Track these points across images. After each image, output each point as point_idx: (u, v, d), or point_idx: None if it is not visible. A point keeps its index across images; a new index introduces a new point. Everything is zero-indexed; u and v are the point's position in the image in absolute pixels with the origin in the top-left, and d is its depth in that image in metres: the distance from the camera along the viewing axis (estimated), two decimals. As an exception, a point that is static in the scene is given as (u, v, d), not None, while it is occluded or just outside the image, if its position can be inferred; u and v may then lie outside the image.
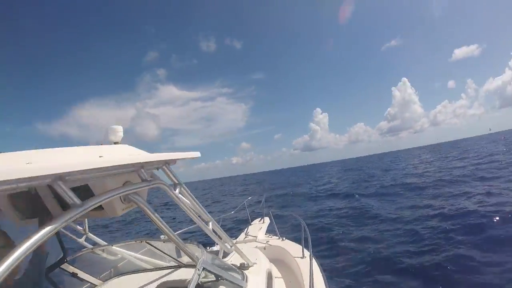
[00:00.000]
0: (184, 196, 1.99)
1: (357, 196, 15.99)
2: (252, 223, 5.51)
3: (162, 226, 1.60)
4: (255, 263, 2.68)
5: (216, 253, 2.67)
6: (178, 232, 3.91)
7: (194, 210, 2.10)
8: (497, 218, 7.82)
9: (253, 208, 7.58)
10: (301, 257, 3.43)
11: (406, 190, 15.37)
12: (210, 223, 2.25)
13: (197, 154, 2.16)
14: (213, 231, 2.29)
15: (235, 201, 22.40)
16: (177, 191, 1.86)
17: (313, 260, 3.19)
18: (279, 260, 3.74)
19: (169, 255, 2.87)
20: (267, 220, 5.49)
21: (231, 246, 2.59)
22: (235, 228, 9.53)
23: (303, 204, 17.18)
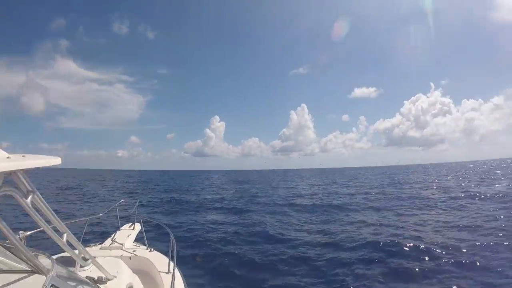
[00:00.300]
0: (37, 205, 1.66)
1: (245, 212, 15.20)
2: (121, 228, 5.01)
3: (7, 234, 1.38)
4: (115, 277, 2.55)
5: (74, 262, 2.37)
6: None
7: (48, 220, 1.81)
8: (394, 250, 8.00)
9: (125, 212, 6.83)
10: (167, 272, 3.30)
11: (295, 211, 15.29)
12: (65, 235, 2.01)
13: (57, 160, 1.74)
14: (68, 242, 2.04)
15: (111, 199, 20.60)
16: (29, 199, 1.50)
17: (178, 276, 3.18)
18: (145, 273, 3.54)
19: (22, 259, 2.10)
20: (137, 226, 5.03)
21: (88, 259, 2.43)
22: (103, 231, 8.60)
23: (187, 213, 15.23)
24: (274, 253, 8.22)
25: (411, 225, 11.07)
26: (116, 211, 5.29)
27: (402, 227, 10.62)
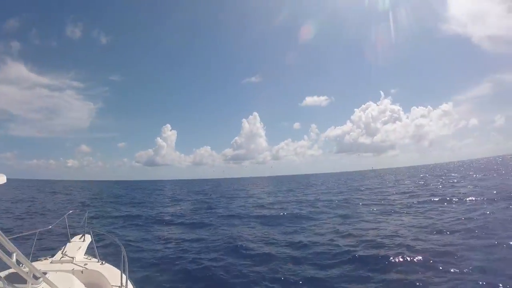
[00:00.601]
0: None
1: (207, 225, 14.09)
2: (71, 240, 4.89)
3: None
4: None
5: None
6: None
7: None
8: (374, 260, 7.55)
9: (75, 223, 6.74)
10: (119, 286, 3.21)
11: (260, 223, 14.36)
12: (14, 254, 1.96)
13: (2, 179, 1.92)
14: (18, 262, 1.98)
15: (61, 212, 18.07)
16: None
17: None
18: (97, 286, 3.51)
19: None
20: (88, 238, 4.91)
21: (39, 278, 2.37)
22: (53, 244, 7.84)
23: (142, 229, 13.60)
24: (245, 272, 7.46)
25: (387, 232, 10.61)
26: (65, 222, 5.06)
27: (378, 235, 10.14)
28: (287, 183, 69.32)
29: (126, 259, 3.35)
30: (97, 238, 5.13)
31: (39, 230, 4.44)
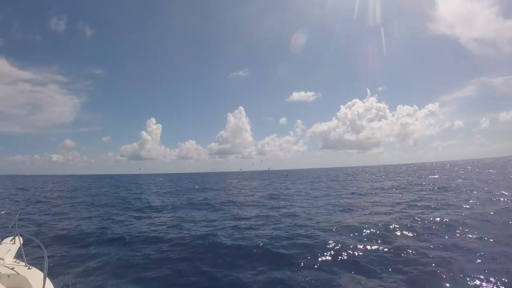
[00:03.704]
0: None
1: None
2: (2, 242, 4.80)
3: None
4: None
5: None
6: None
7: None
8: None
9: (5, 225, 6.50)
10: None
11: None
12: None
13: None
14: None
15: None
16: None
17: None
18: None
19: None
20: (18, 241, 4.78)
21: None
22: None
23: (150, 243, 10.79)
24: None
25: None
26: None
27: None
28: (279, 177, 68.46)
29: (46, 263, 3.23)
30: (25, 241, 4.94)
31: None
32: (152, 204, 20.21)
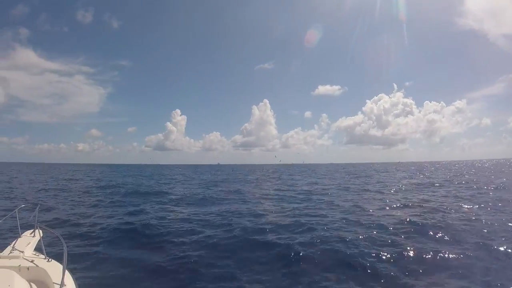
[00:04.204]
0: None
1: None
2: (22, 235, 4.71)
3: None
4: None
5: None
6: None
7: None
8: None
9: (26, 217, 5.87)
10: (61, 284, 3.03)
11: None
12: None
13: None
14: None
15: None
16: None
17: (71, 286, 3.24)
18: (41, 284, 3.46)
19: None
20: (38, 234, 4.72)
21: None
22: (2, 239, 7.39)
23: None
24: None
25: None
26: (16, 217, 4.78)
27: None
28: (312, 171, 66.06)
29: (66, 257, 3.12)
30: (45, 234, 4.90)
31: None
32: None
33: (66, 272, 3.24)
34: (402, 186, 24.52)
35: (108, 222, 11.08)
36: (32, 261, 3.80)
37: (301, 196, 18.67)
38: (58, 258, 3.97)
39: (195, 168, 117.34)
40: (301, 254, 7.30)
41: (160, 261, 7.05)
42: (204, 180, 36.39)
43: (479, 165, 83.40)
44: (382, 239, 8.54)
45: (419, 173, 48.43)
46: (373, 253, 7.27)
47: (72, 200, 17.06)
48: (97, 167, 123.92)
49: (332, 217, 11.86)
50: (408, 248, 7.64)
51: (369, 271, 6.36)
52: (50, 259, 3.96)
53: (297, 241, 8.37)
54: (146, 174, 57.09)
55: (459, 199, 15.96)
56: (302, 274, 6.31)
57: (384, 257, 7.06)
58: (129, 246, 8.42)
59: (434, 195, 18.12)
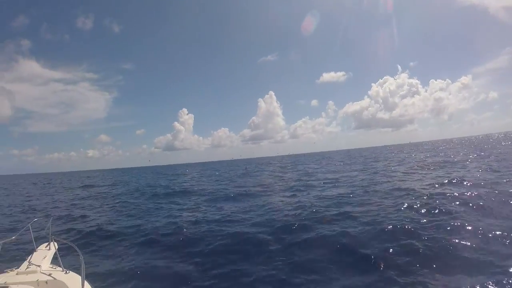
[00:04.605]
0: None
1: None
2: (37, 249, 4.70)
3: None
4: None
5: None
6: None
7: None
8: None
9: (40, 231, 6.01)
10: None
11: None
12: None
13: None
14: None
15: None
16: None
17: None
18: None
19: None
20: (53, 246, 4.74)
21: None
22: (18, 254, 7.28)
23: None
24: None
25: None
26: (30, 232, 4.76)
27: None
28: (327, 159, 65.32)
29: (83, 268, 3.18)
30: (60, 246, 4.90)
31: (2, 241, 4.15)
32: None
33: (86, 282, 3.22)
34: (429, 165, 24.03)
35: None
36: (50, 275, 3.78)
37: (335, 184, 18.26)
38: (76, 269, 3.96)
39: (209, 165, 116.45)
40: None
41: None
42: (226, 177, 35.95)
43: (492, 139, 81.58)
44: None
45: (437, 151, 47.77)
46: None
47: (111, 207, 16.65)
48: (110, 172, 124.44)
49: (393, 203, 10.72)
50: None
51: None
52: (68, 271, 3.95)
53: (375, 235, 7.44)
54: (165, 173, 57.03)
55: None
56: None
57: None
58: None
59: (469, 171, 17.72)
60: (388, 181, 16.55)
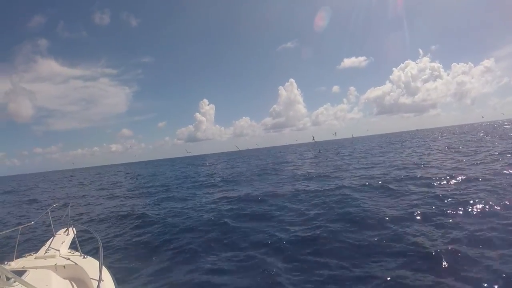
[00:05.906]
0: None
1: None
2: (56, 234, 4.87)
3: None
4: None
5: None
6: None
7: None
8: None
9: (59, 216, 6.64)
10: (99, 279, 3.05)
11: None
12: None
13: None
14: None
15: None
16: None
17: (109, 281, 3.21)
18: (79, 281, 3.51)
19: None
20: (71, 232, 4.90)
21: (10, 279, 2.35)
22: (37, 239, 7.97)
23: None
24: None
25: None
26: (49, 217, 4.92)
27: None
28: (368, 144, 64.44)
29: (102, 252, 3.23)
30: (78, 231, 5.09)
31: (22, 226, 4.33)
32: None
33: (103, 267, 3.28)
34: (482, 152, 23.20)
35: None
36: (68, 259, 3.84)
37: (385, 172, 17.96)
38: (94, 254, 4.06)
39: (237, 154, 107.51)
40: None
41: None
42: (261, 165, 34.95)
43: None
44: None
45: (477, 135, 45.80)
46: None
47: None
48: (137, 164, 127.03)
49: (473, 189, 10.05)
50: None
51: None
52: (85, 256, 4.00)
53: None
54: (201, 164, 57.01)
55: None
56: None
57: None
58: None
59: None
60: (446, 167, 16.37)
